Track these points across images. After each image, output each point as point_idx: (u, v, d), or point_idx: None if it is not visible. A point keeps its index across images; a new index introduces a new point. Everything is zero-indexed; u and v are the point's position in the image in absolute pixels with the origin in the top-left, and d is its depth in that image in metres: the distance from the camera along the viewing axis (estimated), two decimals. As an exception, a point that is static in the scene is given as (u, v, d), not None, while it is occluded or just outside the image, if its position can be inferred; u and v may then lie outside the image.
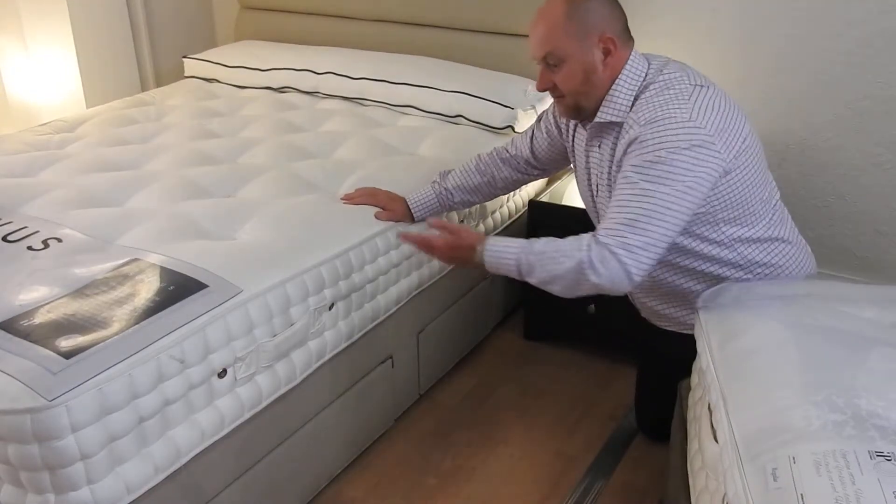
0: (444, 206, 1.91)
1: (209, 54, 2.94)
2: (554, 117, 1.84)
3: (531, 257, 1.53)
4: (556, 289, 1.53)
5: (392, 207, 1.86)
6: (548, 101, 2.38)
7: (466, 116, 2.40)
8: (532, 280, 1.54)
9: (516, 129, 2.35)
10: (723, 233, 1.59)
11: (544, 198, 2.34)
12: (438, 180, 1.92)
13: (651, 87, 1.54)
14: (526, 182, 1.99)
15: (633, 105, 1.55)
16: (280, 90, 2.73)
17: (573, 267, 1.47)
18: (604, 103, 1.58)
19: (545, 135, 1.86)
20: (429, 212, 1.89)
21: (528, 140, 1.89)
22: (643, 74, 1.56)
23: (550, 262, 1.50)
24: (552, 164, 1.92)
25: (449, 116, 2.43)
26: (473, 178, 1.92)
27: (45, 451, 1.19)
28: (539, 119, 1.90)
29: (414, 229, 1.87)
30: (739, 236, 1.60)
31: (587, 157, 1.71)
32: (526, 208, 2.39)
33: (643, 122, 1.49)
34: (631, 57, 1.56)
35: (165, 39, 3.22)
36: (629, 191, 1.47)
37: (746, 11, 2.29)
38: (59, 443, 1.19)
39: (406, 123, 2.44)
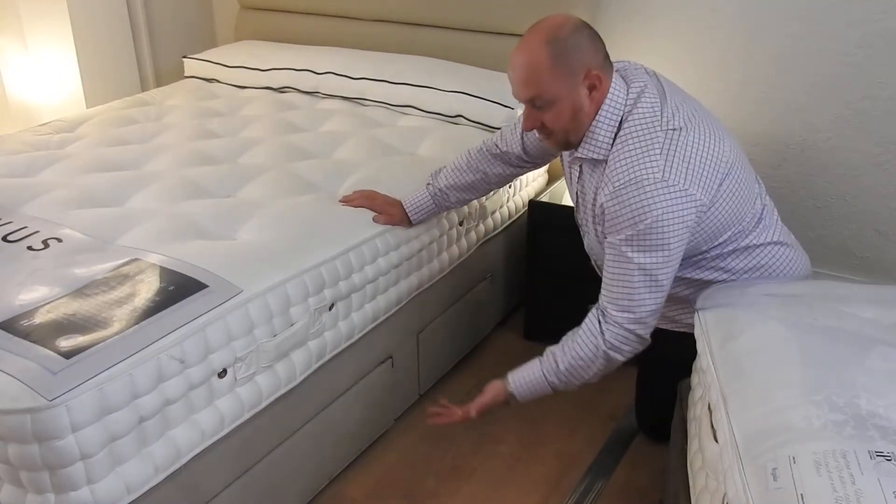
0: (440, 206, 1.91)
1: (209, 54, 2.94)
2: None
3: (561, 377, 1.62)
4: (592, 380, 1.63)
5: (390, 211, 1.85)
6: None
7: (466, 116, 2.40)
8: (572, 389, 1.65)
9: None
10: (714, 252, 1.61)
11: (544, 198, 2.34)
12: (432, 181, 1.91)
13: (624, 127, 1.52)
14: (520, 175, 1.99)
15: (613, 141, 1.54)
16: (280, 90, 2.73)
17: (602, 361, 1.58)
18: (585, 139, 1.56)
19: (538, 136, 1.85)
20: (426, 214, 1.89)
21: (519, 137, 1.86)
22: (622, 105, 1.54)
23: (581, 370, 1.60)
24: (545, 158, 1.90)
25: (449, 116, 2.43)
26: (466, 177, 1.90)
27: (45, 450, 1.19)
28: None
29: (411, 232, 1.87)
30: (732, 249, 1.62)
31: (570, 168, 1.73)
32: (526, 208, 2.39)
33: (613, 188, 1.49)
34: (612, 85, 1.53)
35: (165, 39, 3.22)
36: (625, 265, 1.51)
37: (746, 11, 2.29)
38: (59, 443, 1.19)
39: (406, 123, 2.44)
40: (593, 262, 1.84)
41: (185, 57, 2.98)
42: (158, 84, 3.17)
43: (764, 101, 2.34)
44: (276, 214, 1.77)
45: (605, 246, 1.57)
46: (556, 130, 1.56)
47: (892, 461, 0.98)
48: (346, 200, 1.88)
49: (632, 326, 1.54)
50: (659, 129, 1.50)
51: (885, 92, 2.18)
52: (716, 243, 1.60)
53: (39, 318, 1.35)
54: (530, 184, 2.46)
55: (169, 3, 3.21)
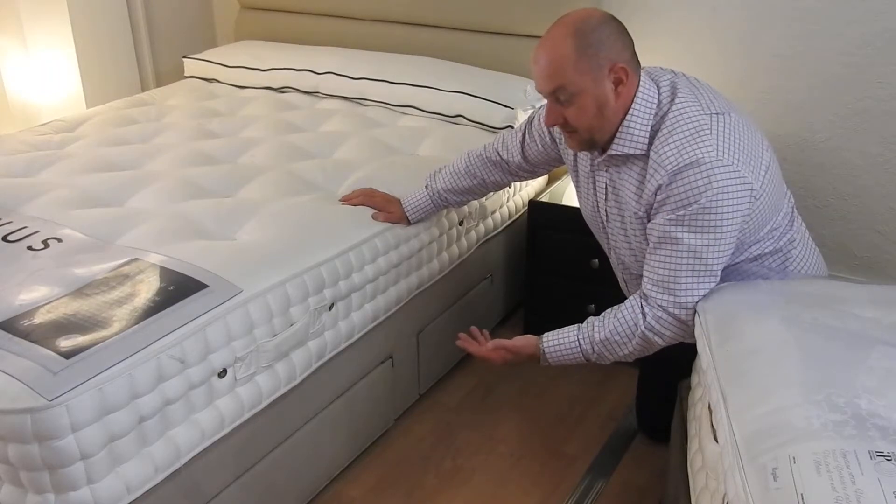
0: (438, 207, 1.91)
1: (209, 54, 2.94)
2: (549, 129, 1.79)
3: (595, 347, 1.59)
4: (629, 359, 1.60)
5: (389, 209, 1.86)
6: (543, 104, 2.37)
7: (466, 116, 2.40)
8: (604, 363, 1.63)
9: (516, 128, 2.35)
10: (748, 252, 1.59)
11: (544, 198, 2.34)
12: (430, 182, 1.91)
13: (668, 119, 1.48)
14: (517, 182, 1.98)
15: (651, 138, 1.50)
16: (280, 90, 2.73)
17: (639, 340, 1.54)
18: (618, 135, 1.51)
19: (538, 144, 1.81)
20: (424, 214, 1.89)
21: (519, 145, 1.84)
22: (655, 102, 1.50)
23: (615, 346, 1.57)
24: (545, 167, 1.89)
25: (449, 116, 2.43)
26: (463, 181, 1.90)
27: (45, 450, 1.19)
28: (530, 123, 1.84)
29: (411, 231, 1.87)
30: (762, 252, 1.59)
31: (594, 178, 1.66)
32: (526, 208, 2.39)
33: (670, 169, 1.44)
34: (641, 83, 1.50)
35: (165, 39, 3.22)
36: (672, 247, 1.46)
37: (746, 11, 2.29)
38: (59, 443, 1.19)
39: (406, 123, 2.44)
40: (621, 281, 1.80)
41: (185, 57, 2.98)
42: (158, 84, 3.17)
43: (764, 101, 2.34)
44: (275, 214, 1.77)
45: (648, 231, 1.52)
46: (580, 127, 1.51)
47: (893, 461, 0.98)
48: (346, 199, 1.88)
49: (675, 311, 1.49)
50: (703, 113, 1.47)
51: (885, 92, 2.18)
52: (756, 237, 1.56)
53: (39, 318, 1.35)
54: (530, 183, 2.46)
55: (169, 3, 3.21)
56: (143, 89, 3.13)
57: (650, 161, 1.49)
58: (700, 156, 1.42)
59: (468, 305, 2.24)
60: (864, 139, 2.25)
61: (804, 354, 1.24)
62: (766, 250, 1.60)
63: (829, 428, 1.05)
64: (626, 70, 1.46)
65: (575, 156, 1.72)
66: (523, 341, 1.67)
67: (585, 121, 1.50)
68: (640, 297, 1.54)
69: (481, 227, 2.21)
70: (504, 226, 2.32)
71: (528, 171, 1.89)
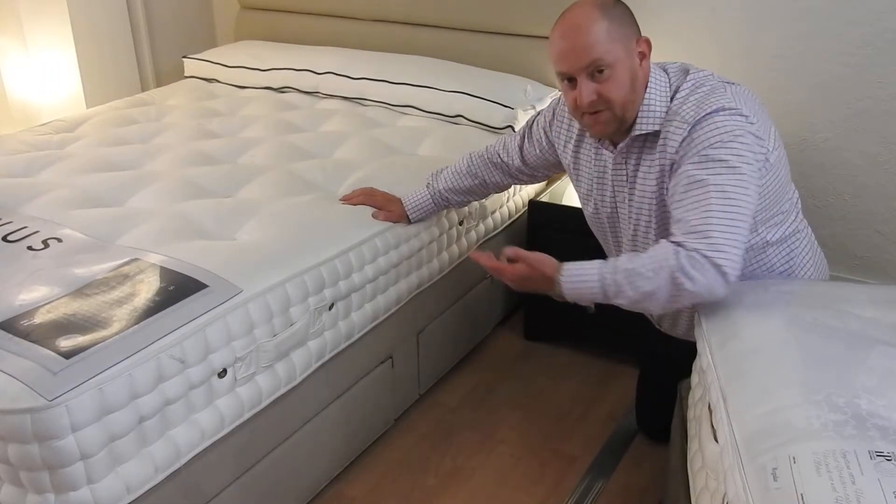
0: (439, 206, 1.91)
1: (209, 54, 2.94)
2: (545, 133, 1.78)
3: (617, 277, 1.42)
4: (650, 307, 1.44)
5: (389, 208, 1.86)
6: (544, 103, 2.38)
7: (466, 116, 2.40)
8: (621, 301, 1.44)
9: (516, 130, 2.35)
10: (759, 236, 1.57)
11: (544, 198, 2.34)
12: (432, 182, 1.91)
13: (683, 88, 1.50)
14: (517, 184, 1.98)
15: (666, 112, 1.50)
16: (280, 90, 2.73)
17: (666, 278, 1.37)
18: (640, 115, 1.50)
19: (536, 149, 1.82)
20: (424, 213, 1.89)
21: (518, 149, 1.85)
22: (667, 81, 1.52)
23: (640, 278, 1.40)
24: (544, 172, 1.89)
25: (449, 116, 2.43)
26: (464, 181, 1.90)
27: (45, 450, 1.19)
28: (529, 128, 1.83)
29: (411, 231, 1.87)
30: (769, 239, 1.58)
31: (611, 177, 1.63)
32: (526, 208, 2.39)
33: (691, 121, 1.45)
34: (651, 65, 1.52)
35: (165, 39, 3.22)
36: (699, 189, 1.40)
37: (746, 11, 2.29)
38: (59, 443, 1.19)
39: (406, 123, 2.44)
40: None
41: (185, 57, 2.98)
42: (158, 84, 3.17)
43: (764, 101, 2.31)
44: (275, 214, 1.77)
45: (672, 188, 1.47)
46: (616, 101, 1.46)
47: (893, 461, 0.98)
48: (346, 199, 1.88)
49: (710, 253, 1.35)
50: (718, 80, 1.50)
51: (885, 92, 2.18)
52: (765, 215, 1.54)
53: (39, 318, 1.35)
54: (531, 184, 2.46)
55: (169, 3, 3.21)
56: (143, 89, 3.13)
57: (670, 124, 1.49)
58: (720, 104, 1.44)
59: (468, 305, 2.24)
60: (864, 139, 2.25)
61: (804, 354, 1.24)
62: (773, 238, 1.59)
63: (829, 428, 1.05)
64: (649, 44, 1.48)
65: (576, 159, 1.71)
66: (541, 257, 1.51)
67: (621, 94, 1.46)
68: (672, 242, 1.41)
69: (481, 227, 2.21)
70: (504, 226, 2.32)
71: (527, 174, 1.90)
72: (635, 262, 1.42)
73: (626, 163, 1.59)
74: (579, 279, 1.46)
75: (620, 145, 1.57)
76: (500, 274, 1.55)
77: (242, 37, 3.18)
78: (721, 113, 1.43)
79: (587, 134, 1.67)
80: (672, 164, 1.49)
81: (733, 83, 1.52)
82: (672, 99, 1.51)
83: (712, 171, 1.41)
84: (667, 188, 1.52)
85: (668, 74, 1.54)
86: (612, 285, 1.43)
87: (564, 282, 1.47)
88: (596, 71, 1.44)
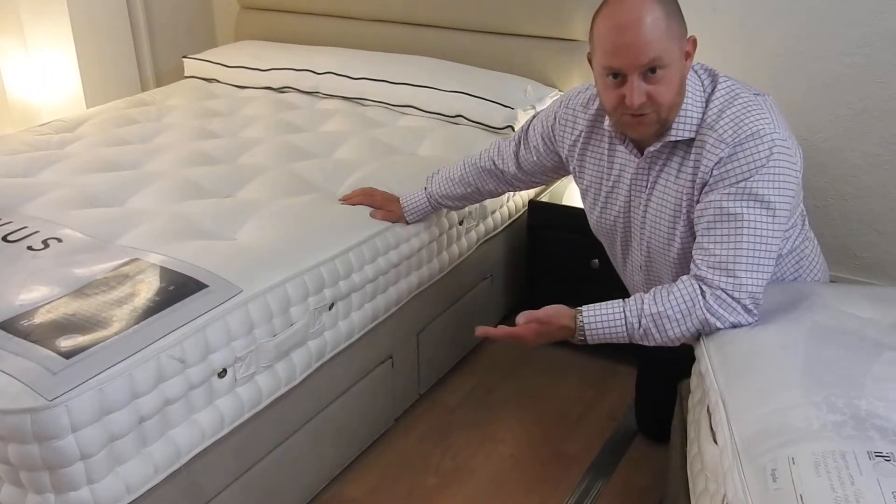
0: (436, 209, 1.91)
1: (209, 54, 2.94)
2: (544, 139, 1.73)
3: (646, 322, 1.41)
4: (674, 342, 1.44)
5: (388, 207, 1.86)
6: (544, 103, 2.38)
7: (466, 116, 2.40)
8: (647, 343, 1.44)
9: (516, 130, 2.35)
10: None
11: (544, 198, 2.34)
12: (428, 185, 1.90)
13: (715, 99, 1.42)
14: (512, 191, 1.96)
15: (701, 118, 1.43)
16: (280, 90, 2.73)
17: (696, 324, 1.38)
18: (677, 119, 1.42)
19: (533, 155, 1.77)
20: (421, 215, 1.88)
21: (513, 156, 1.80)
22: (700, 84, 1.44)
23: (668, 321, 1.40)
24: (540, 177, 1.84)
25: (449, 116, 2.43)
26: (457, 189, 1.88)
27: (45, 451, 1.19)
28: (525, 133, 1.79)
29: (411, 231, 1.87)
30: (782, 253, 1.55)
31: (629, 181, 1.56)
32: (526, 208, 2.39)
33: (731, 142, 1.38)
34: None
35: (165, 39, 3.22)
36: (732, 223, 1.37)
37: (747, 11, 2.29)
38: (59, 443, 1.19)
39: (406, 123, 2.44)
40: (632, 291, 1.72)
41: (185, 57, 2.98)
42: (158, 84, 3.17)
43: (764, 101, 2.34)
44: (275, 214, 1.77)
45: (699, 212, 1.42)
46: (665, 104, 1.38)
47: (892, 461, 0.98)
48: (346, 199, 1.88)
49: (738, 294, 1.35)
50: (749, 93, 1.43)
51: (885, 92, 2.18)
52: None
53: (39, 318, 1.35)
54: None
55: (169, 3, 3.21)
56: (143, 89, 3.13)
57: (706, 138, 1.41)
58: (760, 127, 1.37)
59: (468, 305, 2.24)
60: (864, 139, 2.25)
61: (803, 356, 1.24)
62: (786, 250, 1.57)
63: (828, 428, 1.05)
64: (696, 43, 1.40)
65: (581, 161, 1.66)
66: (553, 310, 1.50)
67: (670, 97, 1.38)
68: (695, 279, 1.40)
69: (481, 227, 2.21)
70: (504, 226, 2.32)
71: (523, 180, 1.85)
72: (662, 304, 1.40)
73: (650, 168, 1.52)
74: (603, 324, 1.45)
75: (651, 149, 1.48)
76: (517, 340, 1.55)
77: (242, 37, 3.18)
78: (762, 138, 1.37)
79: (595, 135, 1.62)
80: (704, 184, 1.42)
81: (762, 94, 1.44)
82: (708, 103, 1.43)
83: (748, 206, 1.36)
84: (692, 203, 1.46)
85: (699, 77, 1.46)
86: (639, 329, 1.43)
87: (588, 327, 1.46)
88: (649, 70, 1.35)
